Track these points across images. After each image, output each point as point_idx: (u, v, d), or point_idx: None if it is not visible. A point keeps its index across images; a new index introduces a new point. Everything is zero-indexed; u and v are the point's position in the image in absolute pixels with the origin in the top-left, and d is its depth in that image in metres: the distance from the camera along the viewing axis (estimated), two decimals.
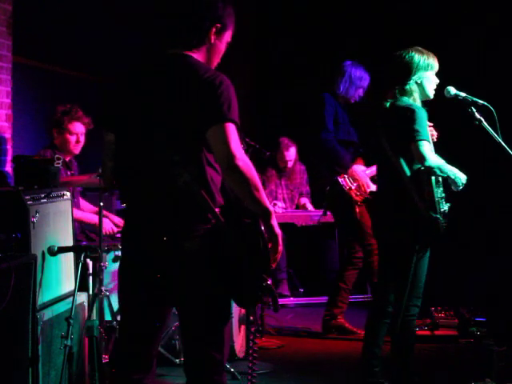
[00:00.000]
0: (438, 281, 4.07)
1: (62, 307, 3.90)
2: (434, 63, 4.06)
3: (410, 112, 3.93)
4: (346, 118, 5.83)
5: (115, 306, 4.81)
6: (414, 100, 4.01)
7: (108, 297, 4.74)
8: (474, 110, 3.93)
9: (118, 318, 4.79)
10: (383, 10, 7.18)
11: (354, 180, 5.71)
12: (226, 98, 2.76)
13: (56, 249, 3.74)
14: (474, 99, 3.95)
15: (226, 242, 2.76)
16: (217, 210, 2.79)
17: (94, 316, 4.48)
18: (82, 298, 4.22)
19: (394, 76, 4.06)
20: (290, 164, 7.34)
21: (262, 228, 2.79)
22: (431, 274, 4.13)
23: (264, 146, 5.18)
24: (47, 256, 3.76)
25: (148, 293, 2.90)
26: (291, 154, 7.30)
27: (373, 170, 5.82)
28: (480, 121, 3.91)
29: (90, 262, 4.74)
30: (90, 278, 4.73)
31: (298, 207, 7.46)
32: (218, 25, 2.93)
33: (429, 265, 4.08)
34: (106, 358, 4.61)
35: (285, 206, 7.36)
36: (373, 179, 5.78)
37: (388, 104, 4.04)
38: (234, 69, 3.06)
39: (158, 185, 2.83)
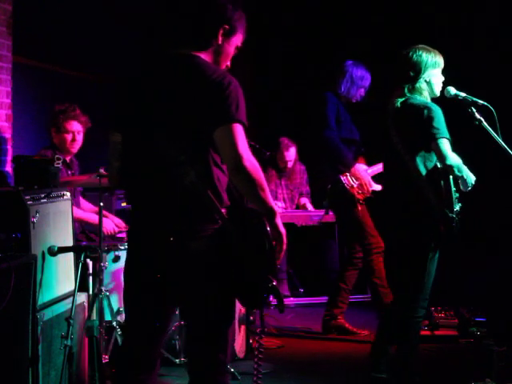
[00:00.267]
0: (437, 281, 4.06)
1: (62, 307, 3.90)
2: (440, 61, 4.07)
3: (427, 110, 3.92)
4: (348, 117, 5.83)
5: (115, 306, 4.82)
6: (426, 98, 4.01)
7: (108, 297, 4.74)
8: (474, 110, 3.93)
9: (118, 318, 4.80)
10: (383, 10, 7.18)
11: (356, 179, 5.72)
12: (234, 98, 2.77)
13: (56, 249, 3.74)
14: (474, 99, 3.95)
15: (232, 242, 2.76)
16: (223, 210, 2.80)
17: (94, 316, 4.48)
18: (82, 298, 4.21)
19: (403, 74, 4.05)
20: (289, 164, 7.34)
21: (268, 229, 2.79)
22: None
23: (264, 146, 5.17)
24: (47, 256, 3.76)
25: (154, 293, 2.90)
26: (291, 154, 7.30)
27: (374, 169, 5.82)
28: (480, 121, 3.91)
29: (90, 262, 4.74)
30: (90, 278, 4.73)
31: (298, 207, 7.46)
32: (226, 26, 2.93)
33: None
34: (106, 358, 4.61)
35: (285, 206, 7.36)
36: (374, 178, 5.79)
37: (399, 103, 4.02)
38: (234, 69, 3.06)
39: (164, 185, 2.83)
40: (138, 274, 2.93)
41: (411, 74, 4.02)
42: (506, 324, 5.40)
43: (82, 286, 4.09)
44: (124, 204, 6.21)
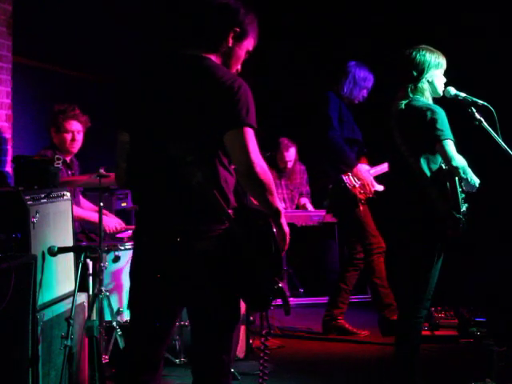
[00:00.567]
0: (438, 281, 4.06)
1: (62, 307, 3.90)
2: (443, 62, 4.06)
3: (430, 112, 3.91)
4: (351, 117, 5.83)
5: (115, 306, 4.82)
6: (427, 99, 4.01)
7: (108, 297, 4.74)
8: (474, 110, 3.93)
9: (118, 318, 4.80)
10: (383, 10, 7.18)
11: (359, 179, 5.71)
12: (244, 102, 2.79)
13: (56, 249, 3.74)
14: (474, 99, 3.95)
15: (238, 243, 2.76)
16: (230, 211, 2.80)
17: (94, 316, 4.48)
18: (82, 298, 4.22)
19: (406, 74, 4.05)
20: (289, 164, 7.34)
21: (274, 230, 2.80)
22: None
23: (264, 146, 5.17)
24: (47, 256, 3.76)
25: (160, 293, 2.90)
26: (291, 154, 7.30)
27: (378, 169, 5.82)
28: (480, 121, 3.91)
29: (90, 263, 4.74)
30: (90, 278, 4.73)
31: (298, 207, 7.46)
32: (237, 29, 2.93)
33: None
34: (106, 358, 4.62)
35: (285, 206, 7.36)
36: (377, 179, 5.79)
37: (403, 105, 4.02)
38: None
39: (171, 185, 2.83)
40: (143, 274, 2.92)
41: (414, 73, 4.02)
42: (506, 324, 5.40)
43: (82, 286, 4.09)
44: (124, 204, 6.21)
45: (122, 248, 4.92)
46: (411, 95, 4.01)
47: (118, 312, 4.82)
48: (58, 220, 3.99)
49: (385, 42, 6.80)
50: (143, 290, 2.94)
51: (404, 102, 4.02)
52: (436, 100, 4.11)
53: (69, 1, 6.12)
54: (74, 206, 4.35)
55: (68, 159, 5.19)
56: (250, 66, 3.09)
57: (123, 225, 5.42)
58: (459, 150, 3.97)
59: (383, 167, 5.64)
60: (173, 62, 2.92)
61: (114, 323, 4.74)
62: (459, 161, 3.87)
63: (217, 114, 2.77)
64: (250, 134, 2.78)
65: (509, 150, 3.86)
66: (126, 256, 4.90)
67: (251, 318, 5.31)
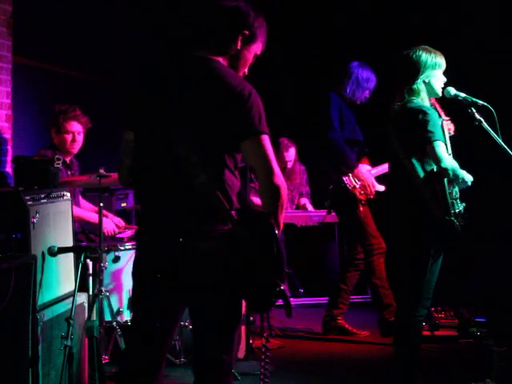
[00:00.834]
0: (438, 281, 4.06)
1: (62, 307, 3.90)
2: (441, 62, 4.05)
3: (422, 114, 3.92)
4: (352, 117, 5.81)
5: (115, 306, 4.82)
6: (422, 100, 4.00)
7: (108, 297, 4.75)
8: (474, 110, 3.92)
9: (118, 318, 4.80)
10: (383, 10, 7.18)
11: (360, 180, 5.71)
12: (257, 109, 2.80)
13: (56, 249, 3.74)
14: (474, 99, 3.95)
15: (240, 245, 2.76)
16: (232, 212, 2.80)
17: (94, 316, 4.48)
18: (82, 298, 4.21)
19: (403, 75, 4.06)
20: (289, 164, 7.33)
21: (276, 232, 2.80)
22: None
23: None
24: (47, 256, 3.76)
25: (162, 293, 2.89)
26: (291, 154, 7.29)
27: (379, 169, 5.82)
28: (480, 121, 3.91)
29: (90, 263, 4.74)
30: (90, 278, 4.73)
31: (297, 207, 7.45)
32: (247, 32, 2.92)
33: None
34: (106, 359, 4.62)
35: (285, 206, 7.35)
36: (378, 179, 5.79)
37: (398, 106, 4.03)
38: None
39: (174, 185, 2.83)
40: (146, 274, 2.92)
41: (409, 74, 4.03)
42: (506, 324, 5.40)
43: (81, 287, 4.08)
44: (124, 204, 6.22)
45: (122, 248, 4.92)
46: (407, 96, 4.02)
47: (118, 312, 4.82)
48: (58, 220, 3.99)
49: (385, 42, 6.79)
50: (145, 290, 2.94)
51: (399, 104, 4.03)
52: (436, 100, 4.11)
53: (69, 1, 6.12)
54: (74, 207, 4.35)
55: (68, 159, 5.19)
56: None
57: (123, 223, 5.42)
58: (459, 150, 3.98)
59: (384, 167, 5.64)
60: (181, 63, 2.91)
61: (114, 323, 4.74)
62: (448, 162, 3.87)
63: (228, 121, 2.78)
64: (266, 142, 2.81)
65: (509, 150, 3.86)
66: (126, 256, 4.90)
67: (251, 318, 5.31)
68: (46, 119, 5.29)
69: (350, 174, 5.71)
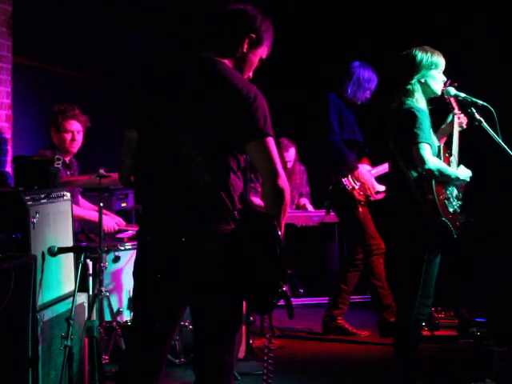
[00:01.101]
0: (438, 281, 4.07)
1: (62, 307, 3.89)
2: (438, 61, 4.04)
3: (410, 115, 3.92)
4: (352, 118, 5.79)
5: (115, 306, 4.82)
6: (417, 100, 3.99)
7: (108, 297, 4.75)
8: (474, 110, 3.93)
9: (118, 318, 4.80)
10: (383, 10, 7.18)
11: (360, 182, 5.70)
12: (262, 111, 2.81)
13: (56, 249, 3.74)
14: (474, 99, 3.95)
15: (243, 245, 2.76)
16: (235, 212, 2.80)
17: (94, 316, 4.48)
18: (82, 298, 4.21)
19: (400, 76, 4.06)
20: (289, 165, 7.33)
21: (279, 233, 2.80)
22: None
23: None
24: (47, 256, 3.76)
25: (163, 293, 2.90)
26: (291, 154, 7.29)
27: (379, 169, 5.82)
28: (480, 121, 3.91)
29: (90, 263, 4.74)
30: (90, 278, 4.73)
31: (297, 208, 7.46)
32: (253, 35, 2.94)
33: None
34: (106, 359, 4.62)
35: None
36: (378, 179, 5.78)
37: (393, 108, 4.03)
38: None
39: (177, 184, 2.83)
40: (147, 274, 2.92)
41: (405, 74, 4.03)
42: (506, 324, 5.40)
43: (81, 287, 4.08)
44: (124, 204, 6.22)
45: (122, 248, 4.92)
46: (402, 97, 4.02)
47: (118, 312, 4.82)
48: (58, 220, 3.99)
49: (385, 42, 6.79)
50: (146, 290, 2.94)
51: (395, 105, 4.04)
52: (437, 100, 4.11)
53: (69, 1, 6.12)
54: (74, 206, 4.35)
55: (67, 159, 5.19)
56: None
57: (123, 223, 5.42)
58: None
59: (384, 167, 5.64)
60: (186, 63, 2.92)
61: (114, 323, 4.74)
62: (432, 163, 3.87)
63: (233, 123, 2.79)
64: (271, 144, 2.82)
65: (509, 150, 3.86)
66: (126, 256, 4.90)
67: (251, 319, 5.31)
68: (46, 119, 5.29)
69: (350, 175, 5.71)
